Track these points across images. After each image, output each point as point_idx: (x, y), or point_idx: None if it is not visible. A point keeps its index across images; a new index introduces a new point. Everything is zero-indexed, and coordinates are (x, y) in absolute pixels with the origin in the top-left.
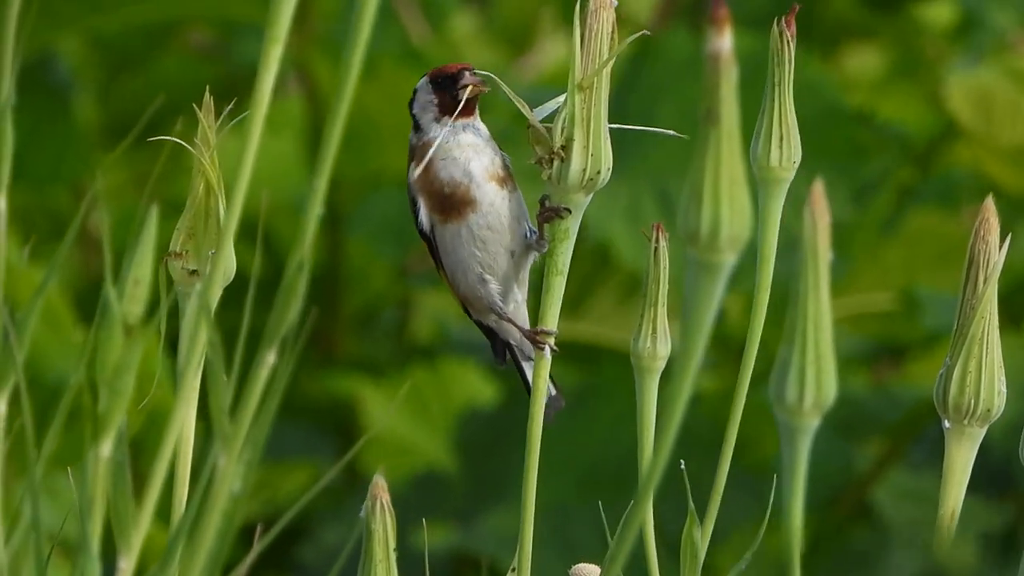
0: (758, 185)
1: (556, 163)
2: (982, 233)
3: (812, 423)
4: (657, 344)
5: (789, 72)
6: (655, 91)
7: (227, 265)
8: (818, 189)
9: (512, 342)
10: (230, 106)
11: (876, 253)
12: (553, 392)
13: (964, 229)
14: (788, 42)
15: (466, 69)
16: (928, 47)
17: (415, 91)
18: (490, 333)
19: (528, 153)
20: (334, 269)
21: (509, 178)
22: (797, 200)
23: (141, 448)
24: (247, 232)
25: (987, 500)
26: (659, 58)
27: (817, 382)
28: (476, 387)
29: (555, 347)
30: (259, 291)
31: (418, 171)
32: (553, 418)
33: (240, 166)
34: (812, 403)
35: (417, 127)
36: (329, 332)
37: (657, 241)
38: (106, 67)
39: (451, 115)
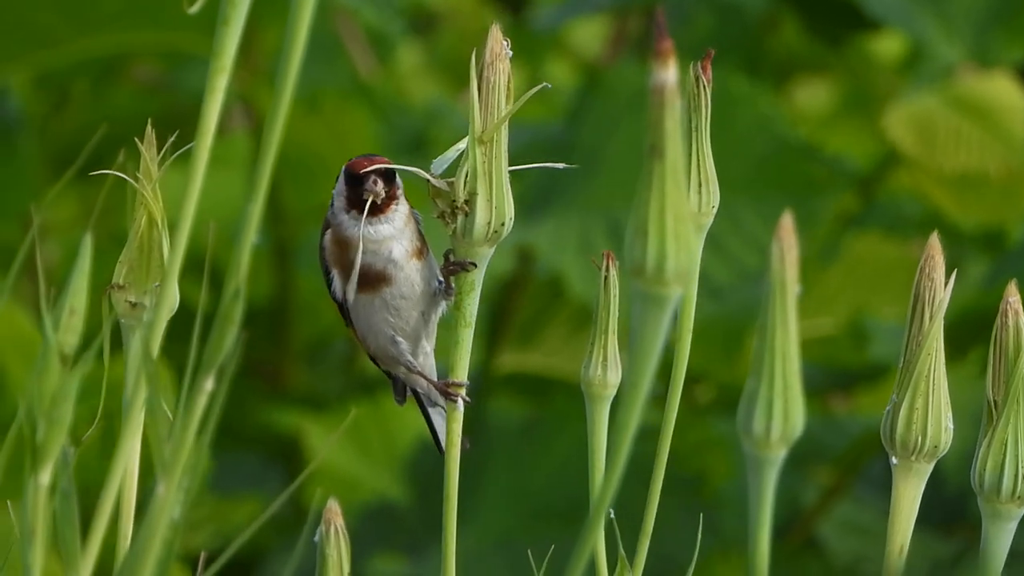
0: None
1: (460, 218)
2: (927, 270)
3: (779, 455)
4: (608, 372)
5: (706, 117)
6: (605, 124)
7: (170, 299)
8: (786, 222)
9: (420, 390)
10: (172, 138)
11: (819, 278)
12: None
13: (905, 251)
14: (704, 87)
15: (374, 171)
16: (878, 80)
17: (340, 174)
18: (392, 376)
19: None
20: (284, 302)
21: (423, 243)
22: (742, 229)
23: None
24: (196, 265)
25: (938, 531)
26: (608, 91)
27: (784, 414)
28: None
29: (467, 398)
30: (208, 325)
31: (328, 245)
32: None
33: (185, 197)
34: (779, 435)
35: (331, 205)
36: (279, 364)
37: (607, 270)
38: (51, 102)
39: (360, 212)
